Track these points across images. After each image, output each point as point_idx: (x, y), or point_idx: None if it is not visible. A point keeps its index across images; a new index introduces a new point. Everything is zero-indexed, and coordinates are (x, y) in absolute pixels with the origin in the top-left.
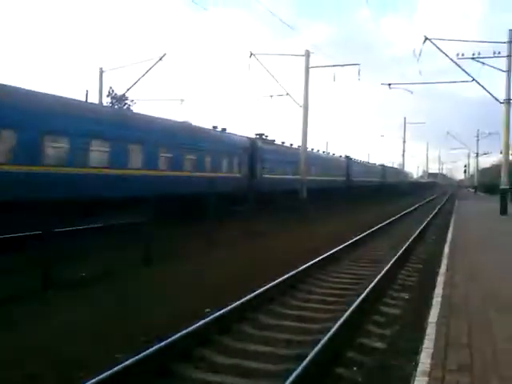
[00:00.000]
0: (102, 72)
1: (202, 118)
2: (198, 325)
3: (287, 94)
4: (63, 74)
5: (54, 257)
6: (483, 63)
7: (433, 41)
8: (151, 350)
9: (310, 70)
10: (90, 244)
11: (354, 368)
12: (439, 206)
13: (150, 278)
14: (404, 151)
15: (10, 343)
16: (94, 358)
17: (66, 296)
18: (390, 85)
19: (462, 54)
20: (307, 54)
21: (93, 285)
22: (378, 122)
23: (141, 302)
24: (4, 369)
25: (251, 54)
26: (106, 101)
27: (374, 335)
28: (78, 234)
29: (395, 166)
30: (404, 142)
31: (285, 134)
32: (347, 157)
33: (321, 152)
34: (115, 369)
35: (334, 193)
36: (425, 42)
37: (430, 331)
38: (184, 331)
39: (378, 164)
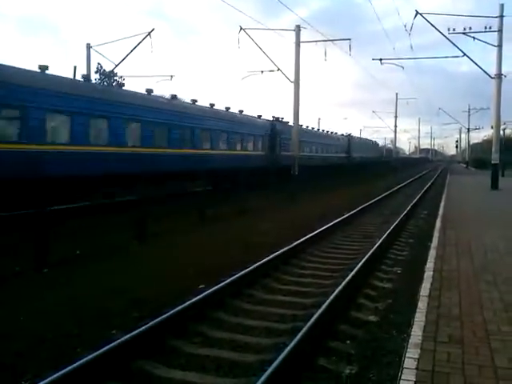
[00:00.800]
0: (89, 47)
1: (193, 93)
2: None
3: (278, 69)
4: (50, 50)
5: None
6: (474, 38)
7: (424, 15)
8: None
9: (301, 45)
10: (83, 222)
11: (347, 341)
12: (429, 184)
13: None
14: (396, 126)
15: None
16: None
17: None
18: (381, 60)
19: (454, 29)
20: (298, 29)
21: (88, 262)
22: (369, 97)
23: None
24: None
25: (241, 29)
26: (95, 77)
27: (367, 309)
28: (74, 212)
29: (388, 141)
30: (396, 117)
31: (277, 110)
32: (275, 120)
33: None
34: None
35: (237, 178)
36: (416, 16)
37: (422, 304)
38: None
39: (340, 134)
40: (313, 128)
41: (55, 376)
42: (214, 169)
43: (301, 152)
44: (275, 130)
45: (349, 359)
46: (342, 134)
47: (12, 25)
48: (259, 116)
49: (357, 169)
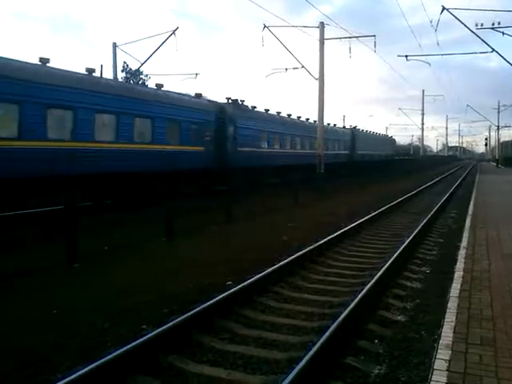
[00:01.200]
0: (115, 46)
1: (217, 92)
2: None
3: (302, 66)
4: (76, 49)
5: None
6: (503, 33)
7: (451, 10)
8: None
9: (326, 42)
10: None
11: (376, 341)
12: (458, 182)
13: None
14: (423, 124)
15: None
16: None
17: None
18: (406, 56)
19: (481, 24)
20: (322, 26)
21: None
22: (395, 94)
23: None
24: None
25: (265, 27)
26: (121, 76)
27: (396, 309)
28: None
29: (414, 139)
30: (422, 114)
31: (301, 108)
32: (230, 102)
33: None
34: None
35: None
36: (442, 11)
37: (452, 305)
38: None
39: (342, 127)
40: (297, 118)
41: (87, 369)
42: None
43: (282, 149)
44: (226, 117)
45: (377, 359)
46: (344, 127)
47: (42, 25)
48: (198, 95)
49: (363, 169)
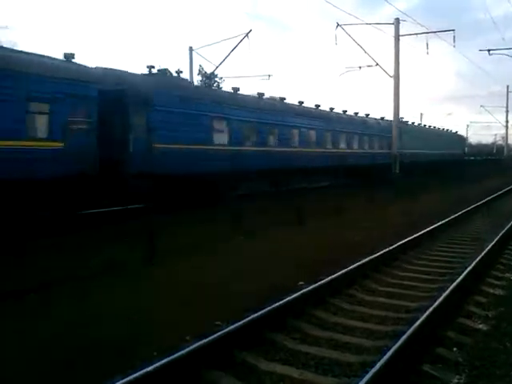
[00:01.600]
0: (191, 50)
1: (290, 93)
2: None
3: (377, 64)
4: (154, 53)
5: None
6: None
7: None
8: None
9: (401, 38)
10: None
11: (454, 349)
12: None
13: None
14: (507, 122)
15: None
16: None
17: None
18: (489, 51)
19: None
20: (397, 22)
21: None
22: (476, 91)
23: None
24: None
25: (338, 25)
26: (197, 79)
27: (477, 316)
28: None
29: (498, 138)
30: (507, 111)
31: (376, 106)
32: (145, 74)
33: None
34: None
35: None
36: None
37: None
38: None
39: (380, 118)
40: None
41: (164, 361)
42: None
43: (277, 146)
44: (128, 93)
45: (457, 368)
46: (382, 118)
47: (117, 27)
48: (69, 55)
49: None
